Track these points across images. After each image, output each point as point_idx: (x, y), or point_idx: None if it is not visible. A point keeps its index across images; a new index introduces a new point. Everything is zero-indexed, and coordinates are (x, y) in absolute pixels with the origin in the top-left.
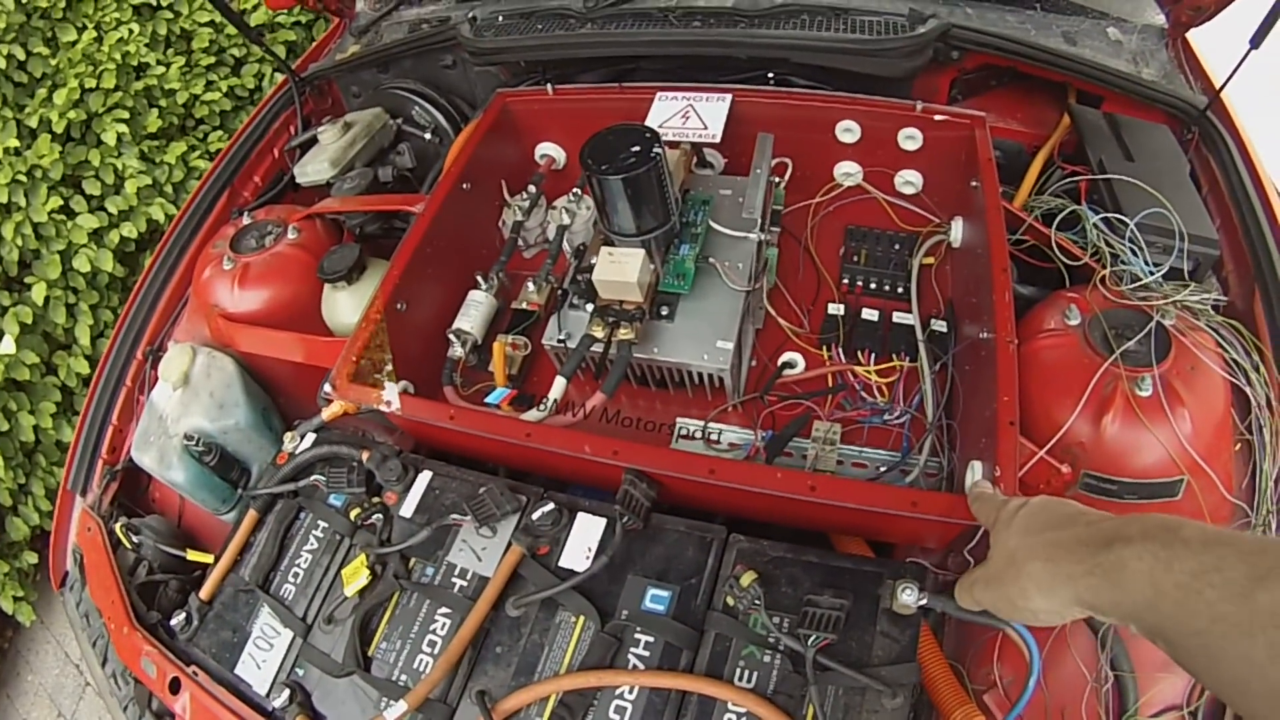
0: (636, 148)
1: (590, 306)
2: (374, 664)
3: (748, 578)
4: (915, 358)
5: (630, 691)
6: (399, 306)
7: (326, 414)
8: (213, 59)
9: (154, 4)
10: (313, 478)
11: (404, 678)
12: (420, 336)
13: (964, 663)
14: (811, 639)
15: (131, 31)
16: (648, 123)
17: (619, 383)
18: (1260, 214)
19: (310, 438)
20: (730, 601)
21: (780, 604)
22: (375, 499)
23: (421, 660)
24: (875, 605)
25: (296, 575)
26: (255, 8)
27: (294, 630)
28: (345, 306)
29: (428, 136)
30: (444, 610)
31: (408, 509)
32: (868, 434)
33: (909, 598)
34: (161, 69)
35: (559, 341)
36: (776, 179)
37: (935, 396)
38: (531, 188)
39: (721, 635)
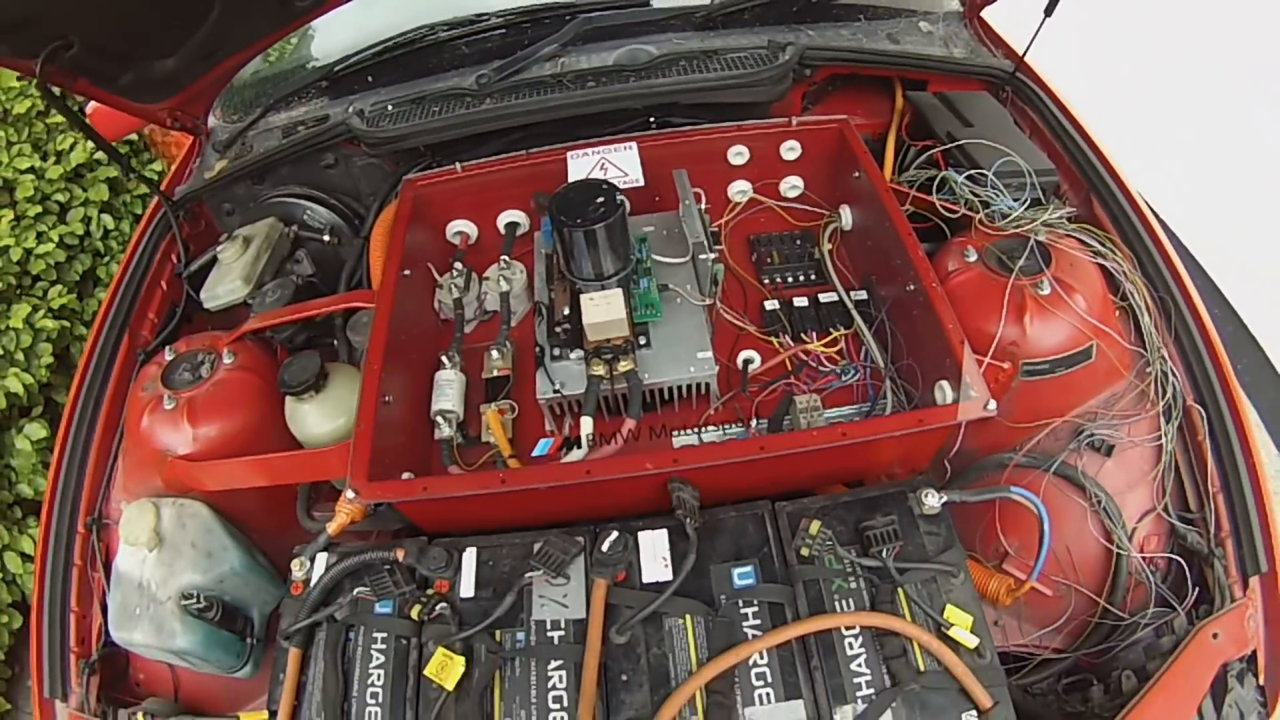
0: (600, 199)
1: (575, 353)
2: None
3: (814, 526)
4: (850, 324)
5: (762, 657)
6: (385, 399)
7: (333, 528)
8: (39, 208)
9: None
10: (355, 592)
11: None
12: (401, 428)
13: (974, 548)
14: (884, 551)
15: None
16: (571, 180)
17: (640, 406)
18: (1080, 141)
19: (322, 558)
20: (805, 551)
21: (842, 540)
22: (430, 591)
23: (554, 718)
24: (911, 514)
25: (376, 695)
26: (72, 147)
27: None
28: (314, 417)
29: (326, 239)
30: (555, 664)
31: (467, 588)
32: (836, 396)
33: (933, 500)
34: None
35: (555, 392)
36: (700, 205)
37: (880, 348)
38: (459, 265)
39: (810, 581)
